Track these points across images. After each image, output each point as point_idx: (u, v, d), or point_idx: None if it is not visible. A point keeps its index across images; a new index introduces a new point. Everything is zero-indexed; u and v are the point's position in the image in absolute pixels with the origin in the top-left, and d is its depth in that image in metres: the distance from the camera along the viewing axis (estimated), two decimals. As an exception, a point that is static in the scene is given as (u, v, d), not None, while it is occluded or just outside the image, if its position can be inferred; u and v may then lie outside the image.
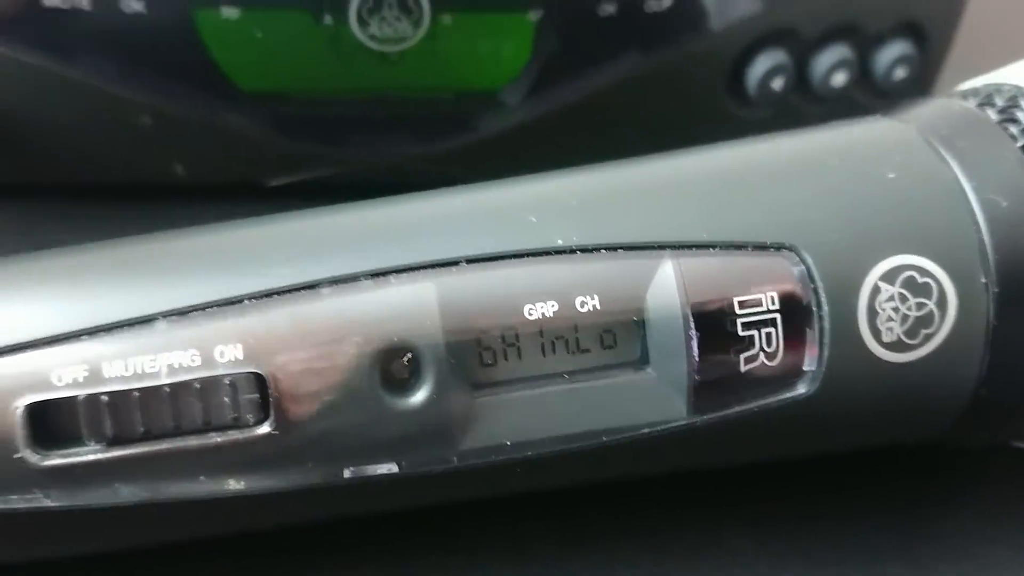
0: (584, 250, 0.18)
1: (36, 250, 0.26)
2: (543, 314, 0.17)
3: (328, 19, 0.24)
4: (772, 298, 0.18)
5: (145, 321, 0.17)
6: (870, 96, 0.31)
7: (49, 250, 0.18)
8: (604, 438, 0.18)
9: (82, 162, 0.26)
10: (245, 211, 0.27)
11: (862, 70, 0.30)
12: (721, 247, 0.18)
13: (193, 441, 0.17)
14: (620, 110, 0.29)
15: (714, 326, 0.18)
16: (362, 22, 0.24)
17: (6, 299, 0.17)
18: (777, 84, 0.29)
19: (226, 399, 0.17)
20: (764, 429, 0.19)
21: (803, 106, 0.31)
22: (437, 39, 0.25)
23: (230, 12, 0.24)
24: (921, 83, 0.32)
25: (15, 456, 0.16)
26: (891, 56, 0.30)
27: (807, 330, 0.18)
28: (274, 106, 0.26)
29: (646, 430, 0.18)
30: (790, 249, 0.18)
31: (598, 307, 0.17)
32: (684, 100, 0.29)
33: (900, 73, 0.30)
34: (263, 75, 0.26)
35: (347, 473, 0.18)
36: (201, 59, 0.25)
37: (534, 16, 0.26)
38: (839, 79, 0.30)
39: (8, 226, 0.26)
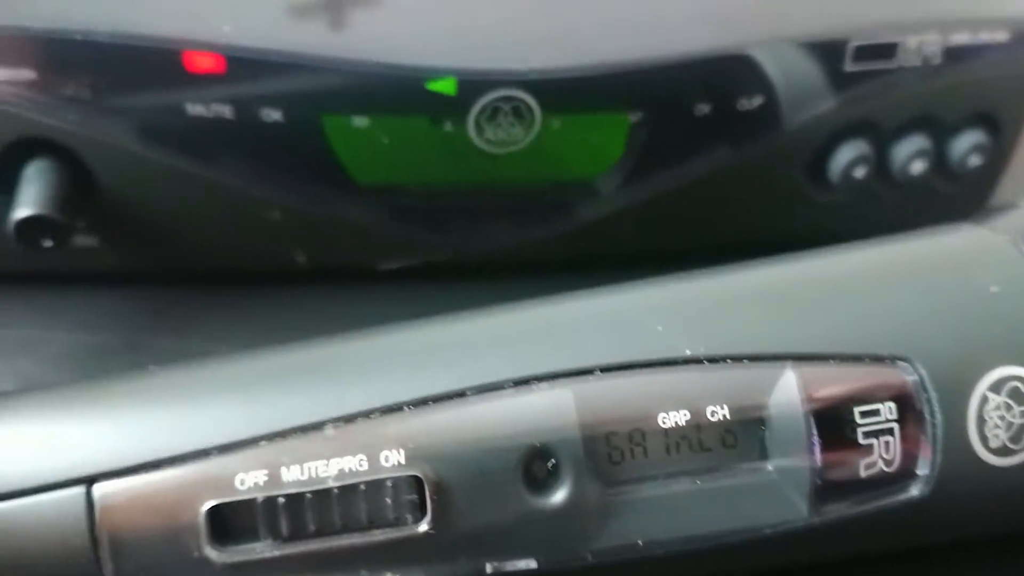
0: (711, 360, 0.19)
1: (176, 331, 0.28)
2: (676, 423, 0.19)
3: (448, 125, 0.26)
4: (891, 408, 0.19)
5: (316, 427, 0.18)
6: (944, 181, 0.33)
7: (223, 357, 0.20)
8: (729, 538, 0.19)
9: (216, 251, 0.28)
10: (358, 292, 0.29)
11: (938, 157, 0.32)
12: (840, 359, 0.19)
13: (358, 538, 0.18)
14: (709, 197, 0.30)
15: (836, 434, 0.19)
16: (479, 128, 0.26)
17: (190, 406, 0.19)
18: (859, 173, 0.31)
19: (388, 500, 0.18)
20: (878, 528, 0.20)
21: (881, 191, 0.32)
22: (543, 139, 0.27)
23: (360, 121, 0.25)
24: (993, 168, 0.33)
25: (196, 555, 0.18)
26: (966, 145, 0.31)
27: (921, 437, 0.19)
28: (388, 198, 0.28)
29: (768, 531, 0.19)
30: (905, 360, 0.20)
31: (727, 416, 0.19)
32: (770, 188, 0.31)
33: (974, 160, 0.32)
34: (380, 171, 0.27)
35: (489, 568, 0.19)
36: (326, 159, 0.26)
37: (634, 117, 0.27)
38: (917, 167, 0.31)
39: (149, 308, 0.28)
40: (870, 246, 0.22)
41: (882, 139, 0.31)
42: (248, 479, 0.18)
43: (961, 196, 0.34)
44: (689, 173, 0.30)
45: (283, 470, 0.18)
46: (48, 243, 0.25)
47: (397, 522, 0.18)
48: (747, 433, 0.19)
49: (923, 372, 0.19)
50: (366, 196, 0.28)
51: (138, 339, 0.27)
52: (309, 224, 0.28)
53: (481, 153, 0.27)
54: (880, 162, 0.31)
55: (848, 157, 0.30)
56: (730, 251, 0.32)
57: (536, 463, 0.19)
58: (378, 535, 0.18)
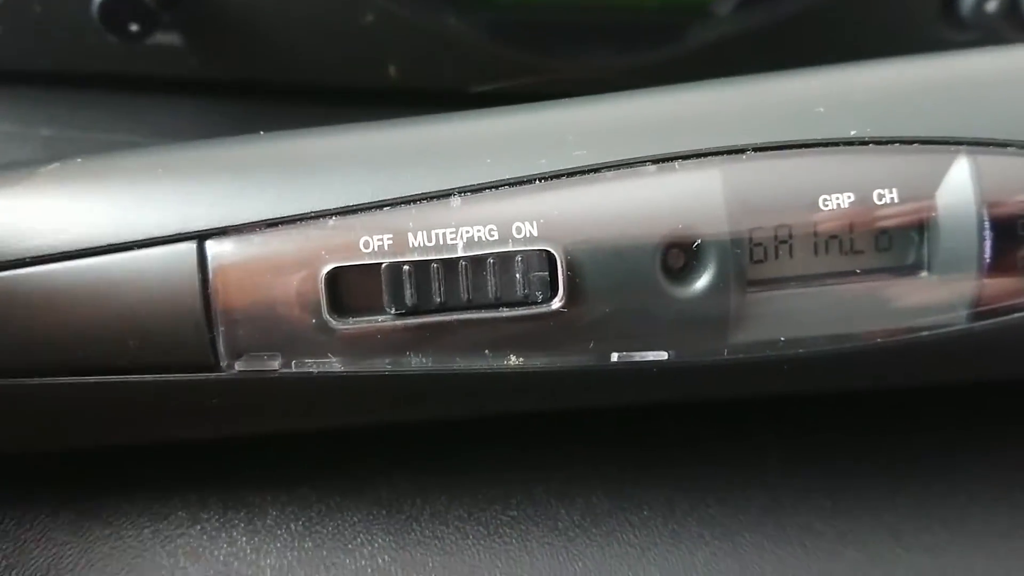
0: (879, 143, 0.17)
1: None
2: (839, 205, 0.17)
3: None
4: (1070, 200, 0.17)
5: (443, 196, 0.17)
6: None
7: (345, 126, 0.18)
8: (878, 339, 0.18)
9: (305, 61, 0.26)
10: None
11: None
12: (1019, 146, 0.17)
13: (484, 314, 0.17)
14: (831, 29, 0.28)
15: (1008, 228, 0.17)
16: (596, -79, 0.24)
17: (311, 167, 0.17)
18: (991, 7, 0.28)
19: (518, 275, 0.17)
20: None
21: (1007, 32, 0.30)
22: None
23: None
24: None
25: (313, 320, 0.17)
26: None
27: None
28: (486, 11, 0.26)
29: (925, 333, 0.18)
30: (1086, 152, 0.18)
31: (895, 200, 0.17)
32: (898, 22, 0.28)
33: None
34: (481, -22, 0.25)
35: (615, 357, 0.18)
36: (426, -43, 0.24)
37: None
38: (1051, 6, 0.29)
39: (235, 116, 0.27)
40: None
41: (1018, -28, 0.28)
42: (373, 242, 0.16)
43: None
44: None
45: (409, 236, 0.17)
46: (134, 27, 0.23)
47: (526, 300, 0.17)
48: (905, 230, 0.18)
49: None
50: (464, 7, 0.26)
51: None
52: (403, 34, 0.26)
53: (591, -41, 0.25)
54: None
55: (981, -11, 0.28)
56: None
57: (675, 250, 0.17)
58: (505, 312, 0.17)
